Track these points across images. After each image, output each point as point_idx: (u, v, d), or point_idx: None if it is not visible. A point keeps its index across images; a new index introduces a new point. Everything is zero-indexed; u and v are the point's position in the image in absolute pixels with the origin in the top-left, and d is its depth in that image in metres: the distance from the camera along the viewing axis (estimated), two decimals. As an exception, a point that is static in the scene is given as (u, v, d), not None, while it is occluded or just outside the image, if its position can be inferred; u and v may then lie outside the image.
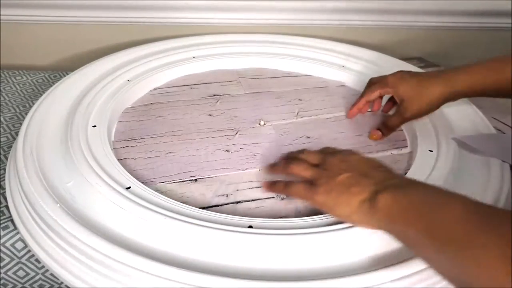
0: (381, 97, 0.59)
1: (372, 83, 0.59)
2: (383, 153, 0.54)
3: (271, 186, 0.44)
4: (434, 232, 0.29)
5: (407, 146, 0.56)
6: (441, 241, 0.28)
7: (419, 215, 0.31)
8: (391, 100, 0.61)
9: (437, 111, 0.54)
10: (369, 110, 0.62)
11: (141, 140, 0.54)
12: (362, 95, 0.60)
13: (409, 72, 0.56)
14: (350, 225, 0.39)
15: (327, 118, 0.61)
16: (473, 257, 0.26)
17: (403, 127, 0.59)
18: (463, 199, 0.31)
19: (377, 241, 0.38)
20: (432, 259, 0.31)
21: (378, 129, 0.57)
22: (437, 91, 0.52)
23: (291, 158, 0.46)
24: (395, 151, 0.55)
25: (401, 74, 0.56)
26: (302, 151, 0.46)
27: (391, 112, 0.63)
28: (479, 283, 0.25)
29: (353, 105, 0.60)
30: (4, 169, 0.50)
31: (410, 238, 0.32)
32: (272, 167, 0.47)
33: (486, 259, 0.25)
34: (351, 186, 0.37)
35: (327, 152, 0.44)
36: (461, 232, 0.27)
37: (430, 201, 0.32)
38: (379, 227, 0.36)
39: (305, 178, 0.41)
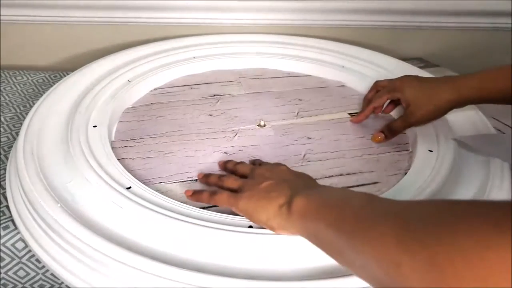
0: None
1: (379, 87, 0.59)
2: (384, 154, 0.54)
3: (197, 195, 0.43)
4: (340, 224, 0.31)
5: (409, 150, 0.55)
6: (347, 232, 0.30)
7: (328, 211, 0.33)
8: (394, 102, 0.61)
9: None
10: None
11: (140, 140, 0.54)
12: (370, 100, 0.59)
13: (417, 77, 0.56)
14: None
15: (330, 120, 0.61)
16: (370, 240, 0.27)
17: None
18: (366, 195, 0.33)
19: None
20: (342, 255, 0.31)
21: (381, 131, 0.56)
22: (445, 97, 0.52)
23: (226, 170, 0.49)
24: (396, 153, 0.55)
25: (409, 78, 0.56)
26: (238, 163, 0.48)
27: (392, 113, 0.63)
28: (375, 265, 0.26)
29: (361, 112, 0.60)
30: (5, 169, 0.50)
31: (322, 235, 0.33)
32: (206, 179, 0.47)
33: (381, 239, 0.26)
34: (271, 191, 0.38)
35: (257, 164, 0.48)
36: (363, 220, 0.29)
37: (338, 198, 0.34)
38: (295, 230, 0.36)
39: (234, 189, 0.42)
